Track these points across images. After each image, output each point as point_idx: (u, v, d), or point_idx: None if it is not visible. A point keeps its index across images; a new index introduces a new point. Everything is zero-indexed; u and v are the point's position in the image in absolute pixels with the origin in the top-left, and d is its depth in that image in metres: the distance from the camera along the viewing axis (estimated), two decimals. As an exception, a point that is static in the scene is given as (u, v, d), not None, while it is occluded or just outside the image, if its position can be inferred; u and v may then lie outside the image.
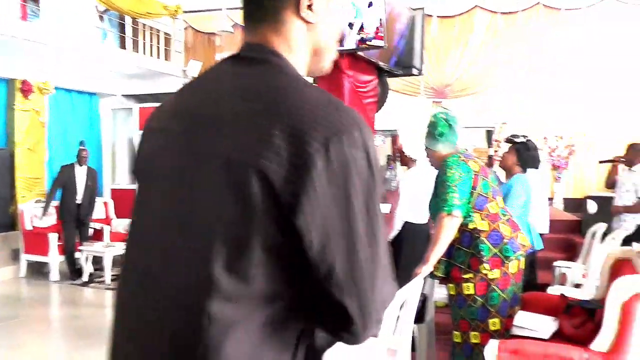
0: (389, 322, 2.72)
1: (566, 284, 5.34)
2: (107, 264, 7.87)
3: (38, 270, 8.59)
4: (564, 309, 3.42)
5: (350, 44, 4.23)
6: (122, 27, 10.78)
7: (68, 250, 8.19)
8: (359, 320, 0.98)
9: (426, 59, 11.49)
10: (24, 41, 8.26)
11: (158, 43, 10.89)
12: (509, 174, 4.87)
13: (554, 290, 4.65)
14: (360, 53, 4.33)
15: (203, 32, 12.71)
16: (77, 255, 8.19)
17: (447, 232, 3.19)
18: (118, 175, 11.05)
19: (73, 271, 8.23)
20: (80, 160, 8.35)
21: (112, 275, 8.16)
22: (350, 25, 4.19)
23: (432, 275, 3.33)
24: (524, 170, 4.80)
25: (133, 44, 10.87)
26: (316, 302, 1.01)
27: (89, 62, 9.83)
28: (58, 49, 8.88)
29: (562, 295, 3.55)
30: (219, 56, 12.37)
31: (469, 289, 3.23)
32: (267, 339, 0.99)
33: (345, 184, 0.95)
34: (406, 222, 4.79)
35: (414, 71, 5.37)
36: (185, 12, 12.25)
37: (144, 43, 10.71)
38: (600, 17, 11.70)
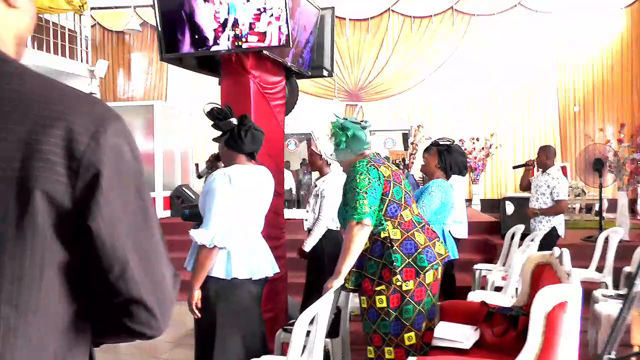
0: (298, 338, 2.48)
1: (487, 287, 5.26)
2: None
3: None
4: (485, 316, 3.28)
5: (223, 43, 3.96)
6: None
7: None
8: (159, 312, 0.97)
9: (340, 62, 11.45)
10: None
11: (63, 41, 10.22)
12: (430, 178, 4.71)
13: (474, 296, 4.54)
14: (266, 52, 4.05)
15: (111, 30, 12.11)
16: None
17: (358, 242, 2.98)
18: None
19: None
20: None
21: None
22: (225, 22, 3.91)
23: (343, 287, 3.11)
24: (447, 176, 4.64)
25: (35, 42, 10.17)
26: (109, 307, 0.97)
27: None
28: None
29: (483, 303, 3.40)
30: (133, 55, 11.87)
31: (381, 301, 3.02)
32: (57, 345, 0.93)
33: (121, 177, 0.92)
34: (328, 230, 4.59)
35: (324, 72, 5.20)
36: (93, 8, 11.68)
37: (47, 41, 10.02)
38: (511, 24, 11.97)
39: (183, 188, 9.34)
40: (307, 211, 4.87)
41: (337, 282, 3.00)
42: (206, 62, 4.64)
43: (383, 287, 2.99)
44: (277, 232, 4.44)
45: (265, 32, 3.95)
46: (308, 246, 4.61)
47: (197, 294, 3.02)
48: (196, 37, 4.07)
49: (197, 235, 2.95)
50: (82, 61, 10.66)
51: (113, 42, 12.02)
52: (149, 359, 4.91)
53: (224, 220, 2.95)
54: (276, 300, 4.38)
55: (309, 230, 4.72)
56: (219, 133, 3.21)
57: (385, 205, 3.03)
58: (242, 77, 4.15)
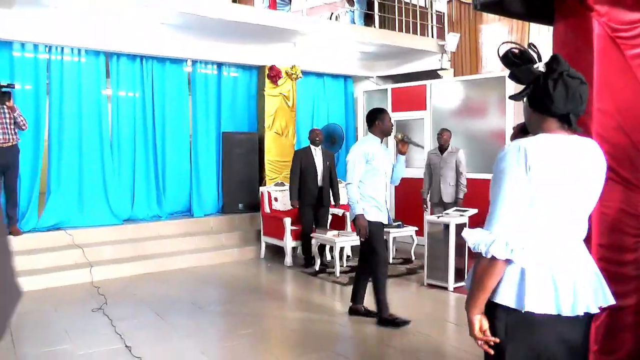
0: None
1: None
2: (337, 254, 7.25)
3: (276, 253, 8.41)
4: None
5: None
6: (369, 6, 10.11)
7: (304, 236, 7.80)
8: None
9: None
10: (272, 29, 8.15)
11: (414, 18, 9.97)
12: None
13: None
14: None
15: (468, 3, 11.41)
16: (313, 242, 7.73)
17: None
18: (371, 161, 10.43)
19: (307, 258, 7.81)
20: (314, 141, 7.86)
21: (343, 267, 7.56)
22: None
23: None
24: None
25: (383, 22, 10.14)
26: None
27: (338, 45, 9.41)
28: (304, 34, 8.61)
29: None
30: (488, 26, 11.03)
31: None
32: None
33: None
34: None
35: None
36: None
37: (400, 20, 9.88)
38: None
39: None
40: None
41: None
42: (536, 6, 3.54)
43: None
44: (625, 240, 3.03)
45: None
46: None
47: (478, 321, 2.02)
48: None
49: (473, 237, 2.01)
50: (432, 37, 10.25)
51: (469, 15, 11.38)
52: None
53: (515, 218, 1.93)
54: (619, 338, 3.00)
55: None
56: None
57: None
58: (581, 18, 2.94)
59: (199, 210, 8.91)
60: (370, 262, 5.28)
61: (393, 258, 8.13)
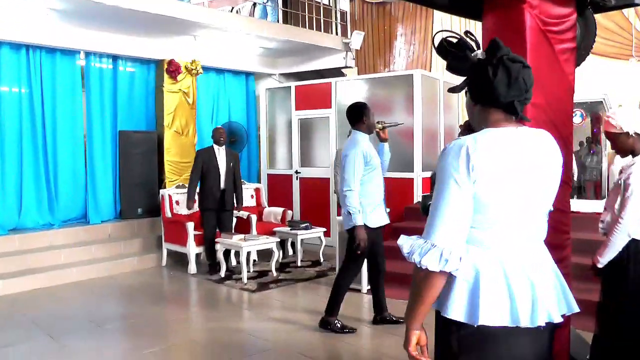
0: None
1: None
2: (243, 259, 6.97)
3: (179, 260, 8.00)
4: None
5: None
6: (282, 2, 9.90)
7: (207, 241, 7.44)
8: None
9: None
10: (172, 20, 7.71)
11: (317, 15, 9.83)
12: None
13: None
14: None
15: (371, 2, 11.42)
16: (218, 247, 7.38)
17: None
18: (276, 159, 10.22)
19: (211, 264, 7.46)
20: (218, 141, 7.50)
21: (250, 273, 7.29)
22: None
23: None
24: None
25: (286, 18, 9.95)
26: None
27: (240, 39, 9.09)
28: (207, 27, 8.23)
29: None
30: (394, 26, 11.07)
31: None
32: None
33: None
34: (634, 241, 3.11)
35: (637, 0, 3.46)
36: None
37: (302, 16, 9.71)
38: None
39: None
40: (605, 209, 3.37)
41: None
42: (463, 1, 3.43)
43: None
44: (561, 239, 3.08)
45: None
46: (604, 259, 3.18)
47: (416, 337, 1.84)
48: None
49: (407, 245, 1.81)
50: (336, 34, 10.15)
51: (373, 14, 11.40)
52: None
53: (457, 224, 1.77)
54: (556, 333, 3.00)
55: (605, 234, 3.28)
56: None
57: None
58: (513, 9, 2.85)
59: (95, 216, 8.29)
60: (347, 267, 5.08)
61: (301, 260, 7.95)
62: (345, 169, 4.85)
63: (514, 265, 1.80)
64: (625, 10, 8.40)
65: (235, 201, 7.64)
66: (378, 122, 5.28)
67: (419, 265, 1.76)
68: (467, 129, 4.27)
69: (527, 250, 1.85)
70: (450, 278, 1.80)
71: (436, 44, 1.96)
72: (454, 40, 1.91)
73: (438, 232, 1.76)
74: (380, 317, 5.33)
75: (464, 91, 1.94)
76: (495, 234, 1.80)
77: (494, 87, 1.80)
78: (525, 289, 1.80)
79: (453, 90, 1.96)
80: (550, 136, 1.93)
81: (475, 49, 1.88)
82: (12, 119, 7.72)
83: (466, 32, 1.91)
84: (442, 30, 1.99)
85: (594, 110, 7.60)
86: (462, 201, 1.75)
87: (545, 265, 1.90)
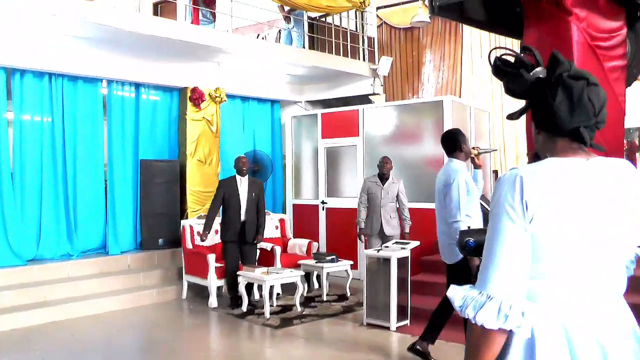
0: None
1: None
2: (266, 293, 6.64)
3: (200, 293, 7.70)
4: None
5: None
6: (308, 28, 9.75)
7: (228, 274, 7.13)
8: None
9: None
10: (196, 46, 7.53)
11: (345, 40, 9.62)
12: None
13: None
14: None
15: (398, 28, 11.20)
16: (239, 280, 7.05)
17: None
18: (302, 189, 9.93)
19: (233, 297, 7.14)
20: (240, 171, 7.23)
21: (274, 307, 6.95)
22: None
23: None
24: None
25: (312, 44, 9.77)
26: None
27: (265, 66, 8.89)
28: (232, 54, 8.05)
29: None
30: (422, 51, 10.82)
31: None
32: None
33: None
34: None
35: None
36: (379, 7, 10.96)
37: (329, 42, 9.51)
38: None
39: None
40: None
41: None
42: (501, 16, 3.14)
43: None
44: None
45: None
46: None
47: None
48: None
49: (459, 296, 1.50)
50: (364, 60, 9.91)
51: (400, 40, 11.17)
52: None
53: (517, 268, 1.44)
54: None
55: None
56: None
57: None
58: (559, 22, 2.53)
59: (115, 247, 8.04)
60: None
61: (327, 295, 7.59)
62: (452, 199, 4.56)
63: (580, 329, 1.45)
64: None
65: (256, 232, 7.33)
66: (473, 148, 5.01)
67: (473, 322, 1.43)
68: (534, 157, 3.86)
69: (599, 309, 1.49)
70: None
71: (492, 62, 1.65)
72: (510, 59, 1.61)
73: (494, 280, 1.44)
74: (422, 347, 4.93)
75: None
76: (555, 287, 1.46)
77: (553, 112, 1.50)
78: (594, 353, 1.44)
79: (511, 117, 1.66)
80: (631, 167, 1.58)
81: (534, 67, 1.57)
82: (33, 147, 7.58)
83: (524, 48, 1.60)
84: (497, 47, 1.68)
85: (630, 139, 7.21)
86: (521, 241, 1.43)
87: (623, 328, 1.52)
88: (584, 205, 1.45)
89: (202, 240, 7.22)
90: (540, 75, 1.55)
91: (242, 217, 7.16)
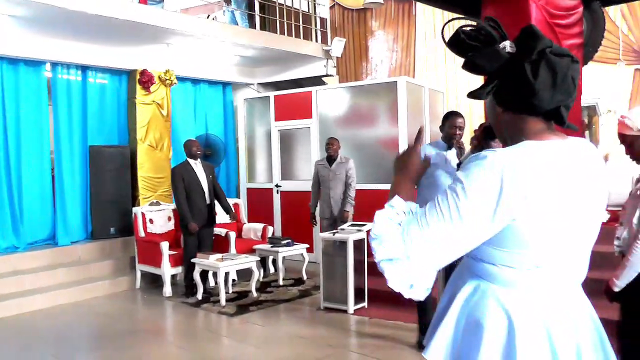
0: None
1: None
2: (221, 280, 6.54)
3: (155, 282, 7.55)
4: None
5: None
6: (251, 6, 9.54)
7: (187, 262, 6.98)
8: None
9: (624, 9, 8.80)
10: (143, 27, 7.28)
11: (297, 21, 9.47)
12: None
13: None
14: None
15: (351, 9, 11.11)
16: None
17: None
18: (255, 173, 9.81)
19: (188, 286, 7.02)
20: (194, 155, 7.08)
21: (229, 294, 6.87)
22: None
23: None
24: None
25: (264, 25, 9.59)
26: None
27: (216, 47, 8.68)
28: (181, 35, 7.81)
29: None
30: (376, 33, 10.76)
31: None
32: None
33: None
34: None
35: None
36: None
37: (281, 22, 9.35)
38: None
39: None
40: (621, 224, 3.05)
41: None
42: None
43: None
44: None
45: None
46: (622, 282, 2.83)
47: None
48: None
49: (381, 226, 1.43)
50: (316, 41, 9.79)
51: (353, 21, 11.08)
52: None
53: (445, 254, 1.35)
54: None
55: (621, 252, 2.93)
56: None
57: None
58: (516, 1, 2.54)
59: (65, 238, 7.79)
60: None
61: (283, 279, 7.54)
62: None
63: (559, 321, 1.41)
64: (612, 14, 8.16)
65: (227, 213, 7.33)
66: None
67: (378, 266, 1.37)
68: (486, 134, 3.56)
69: (572, 300, 1.47)
70: (477, 329, 1.42)
71: (447, 37, 1.51)
72: (472, 31, 1.46)
73: (420, 246, 1.34)
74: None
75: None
76: (537, 277, 1.40)
77: (535, 91, 1.38)
78: (570, 346, 1.41)
79: (476, 95, 1.51)
80: (595, 149, 1.51)
81: (501, 39, 1.45)
82: (-29, 135, 7.24)
83: (487, 19, 1.50)
84: (453, 19, 1.57)
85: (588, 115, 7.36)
86: (467, 229, 1.32)
87: (586, 314, 1.50)
88: (569, 190, 1.37)
89: (195, 230, 6.94)
90: (509, 50, 1.43)
91: (207, 200, 7.05)
